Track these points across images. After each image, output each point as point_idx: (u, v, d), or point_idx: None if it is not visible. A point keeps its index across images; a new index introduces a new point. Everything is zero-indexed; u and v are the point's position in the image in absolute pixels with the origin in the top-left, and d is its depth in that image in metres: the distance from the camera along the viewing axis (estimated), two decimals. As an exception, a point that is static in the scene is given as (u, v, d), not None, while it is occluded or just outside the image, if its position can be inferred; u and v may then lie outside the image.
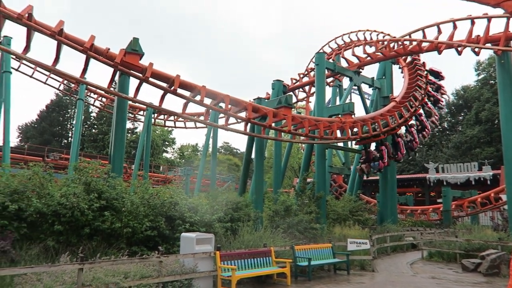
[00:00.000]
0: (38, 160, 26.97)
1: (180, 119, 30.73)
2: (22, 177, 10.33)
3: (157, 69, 12.40)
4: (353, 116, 19.36)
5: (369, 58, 25.47)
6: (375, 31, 31.89)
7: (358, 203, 22.42)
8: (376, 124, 19.46)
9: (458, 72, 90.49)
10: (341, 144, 24.47)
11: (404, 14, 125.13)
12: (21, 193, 9.70)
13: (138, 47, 12.39)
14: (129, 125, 50.61)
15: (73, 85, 32.18)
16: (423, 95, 23.79)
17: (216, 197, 14.88)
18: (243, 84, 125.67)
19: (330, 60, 24.74)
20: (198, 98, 13.05)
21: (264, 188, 18.56)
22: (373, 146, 21.97)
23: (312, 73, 30.58)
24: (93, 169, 11.41)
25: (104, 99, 34.02)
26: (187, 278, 8.63)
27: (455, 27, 21.53)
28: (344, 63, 26.27)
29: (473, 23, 20.49)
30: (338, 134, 17.87)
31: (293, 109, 18.08)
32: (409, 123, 23.58)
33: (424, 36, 23.81)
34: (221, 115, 25.32)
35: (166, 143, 66.71)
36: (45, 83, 29.88)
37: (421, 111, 24.81)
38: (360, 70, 25.54)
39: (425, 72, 26.15)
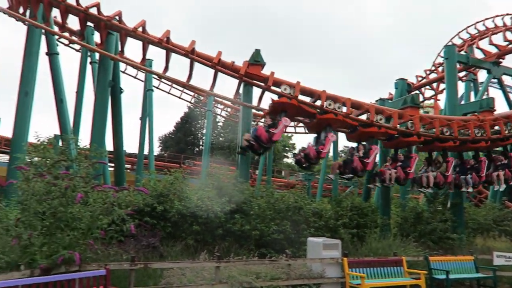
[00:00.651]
0: (176, 167, 30.07)
1: (300, 124, 31.07)
2: (166, 182, 11.67)
3: (277, 77, 12.82)
4: (493, 113, 17.07)
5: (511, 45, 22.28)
6: (517, 14, 27.83)
7: (504, 212, 19.65)
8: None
9: None
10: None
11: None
12: (166, 196, 10.94)
13: (259, 58, 13.00)
14: (251, 132, 53.06)
15: (202, 98, 35.21)
16: None
17: (339, 202, 14.64)
18: (359, 85, 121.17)
19: (462, 52, 22.32)
20: (318, 103, 13.08)
21: (390, 193, 17.57)
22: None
23: (440, 68, 28.07)
24: (223, 174, 12.32)
25: (229, 109, 36.47)
26: (315, 283, 8.66)
27: None
28: (479, 55, 23.45)
29: None
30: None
31: (420, 109, 16.78)
32: None
33: None
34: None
35: (287, 148, 68.18)
36: (179, 97, 33.38)
37: None
38: (500, 60, 22.46)
39: None
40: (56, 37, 17.29)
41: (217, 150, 57.17)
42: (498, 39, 23.60)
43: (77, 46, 23.44)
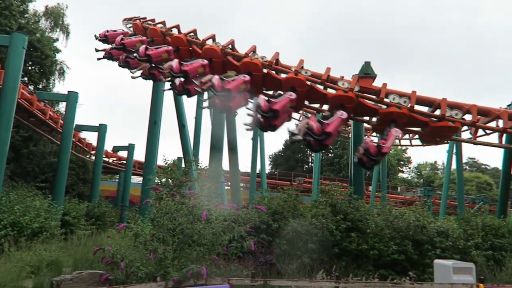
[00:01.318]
0: (287, 184, 30.51)
1: (417, 136, 29.03)
2: (279, 199, 11.91)
3: (390, 88, 12.24)
4: None
5: None
6: None
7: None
8: None
9: None
10: None
11: None
12: (280, 213, 11.15)
13: (370, 70, 12.62)
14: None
15: (310, 115, 35.35)
16: None
17: (468, 220, 13.18)
18: (481, 91, 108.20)
19: None
20: (437, 112, 12.07)
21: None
22: None
23: None
24: (337, 192, 12.08)
25: (338, 125, 35.87)
26: (447, 310, 7.83)
27: None
28: None
29: None
30: None
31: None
32: None
33: None
34: (465, 128, 22.60)
35: (401, 162, 64.15)
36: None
37: None
38: None
39: None
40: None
41: (327, 167, 56.51)
42: None
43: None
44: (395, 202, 40.99)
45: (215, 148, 13.95)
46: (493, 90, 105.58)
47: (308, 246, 10.31)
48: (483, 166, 67.77)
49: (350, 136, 19.33)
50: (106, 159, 34.44)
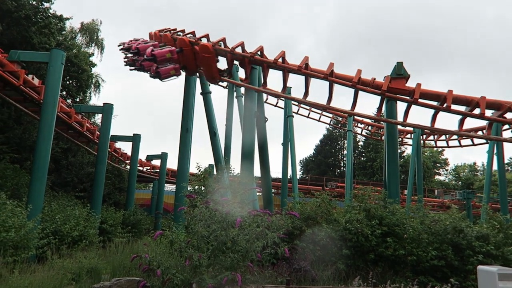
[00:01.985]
0: (318, 189, 30.12)
1: (454, 137, 28.05)
2: (312, 204, 11.77)
3: (425, 88, 11.92)
4: None
5: None
6: None
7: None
8: None
9: None
10: None
11: None
12: (313, 218, 11.01)
13: (402, 71, 12.33)
14: (396, 149, 50.13)
15: (340, 118, 34.91)
16: None
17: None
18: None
19: None
20: (477, 111, 11.64)
21: None
22: None
23: None
24: (371, 196, 11.81)
25: (370, 128, 35.22)
26: (491, 319, 7.47)
27: None
28: None
29: None
30: None
31: None
32: None
33: None
34: (506, 126, 21.61)
35: (438, 165, 62.11)
36: (319, 120, 33.71)
37: None
38: None
39: None
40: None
41: (359, 171, 55.52)
42: None
43: (224, 84, 25.97)
44: (432, 206, 39.70)
45: (246, 155, 14.00)
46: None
47: (342, 252, 10.10)
48: (527, 167, 64.46)
49: (383, 138, 18.91)
50: (140, 168, 35.30)
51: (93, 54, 34.45)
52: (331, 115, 33.50)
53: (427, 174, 53.30)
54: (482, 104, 11.40)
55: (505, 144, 24.44)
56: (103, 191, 22.34)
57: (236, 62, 14.44)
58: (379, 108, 13.09)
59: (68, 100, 27.22)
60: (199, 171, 11.48)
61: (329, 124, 39.57)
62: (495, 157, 25.16)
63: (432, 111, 12.08)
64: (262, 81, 14.08)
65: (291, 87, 24.68)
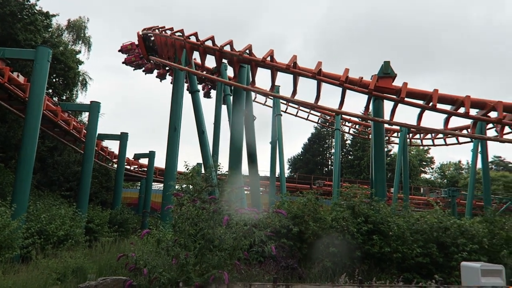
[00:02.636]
0: (306, 188, 30.31)
1: (440, 135, 28.43)
2: (299, 203, 11.82)
3: (411, 88, 12.07)
4: None
5: None
6: None
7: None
8: None
9: None
10: None
11: None
12: (300, 217, 11.07)
13: (389, 70, 12.46)
14: (383, 148, 50.59)
15: (328, 117, 35.08)
16: None
17: (494, 222, 12.79)
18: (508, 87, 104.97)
19: None
20: (461, 110, 11.83)
21: None
22: None
23: None
24: (356, 193, 11.92)
25: (358, 126, 35.48)
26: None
27: None
28: None
29: None
30: None
31: None
32: None
33: None
34: (490, 125, 21.99)
35: (424, 163, 62.87)
36: (307, 119, 33.83)
37: None
38: None
39: None
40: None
41: (346, 169, 55.90)
42: None
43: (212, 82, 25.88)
44: (418, 204, 40.20)
45: (234, 154, 14.01)
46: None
47: (329, 249, 10.19)
48: (510, 165, 65.66)
49: (370, 137, 19.09)
50: (128, 167, 34.98)
51: (80, 51, 34.01)
52: (319, 114, 33.65)
53: (413, 172, 53.95)
54: (467, 103, 11.60)
55: (489, 142, 24.90)
56: (90, 190, 22.10)
57: (224, 61, 14.41)
58: (366, 107, 13.22)
59: (54, 98, 26.81)
60: (187, 169, 11.42)
61: (317, 123, 39.70)
62: (479, 156, 25.60)
63: (418, 110, 12.25)
64: (251, 79, 14.09)
65: (279, 86, 24.72)
